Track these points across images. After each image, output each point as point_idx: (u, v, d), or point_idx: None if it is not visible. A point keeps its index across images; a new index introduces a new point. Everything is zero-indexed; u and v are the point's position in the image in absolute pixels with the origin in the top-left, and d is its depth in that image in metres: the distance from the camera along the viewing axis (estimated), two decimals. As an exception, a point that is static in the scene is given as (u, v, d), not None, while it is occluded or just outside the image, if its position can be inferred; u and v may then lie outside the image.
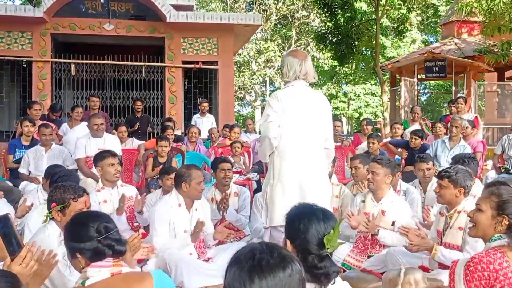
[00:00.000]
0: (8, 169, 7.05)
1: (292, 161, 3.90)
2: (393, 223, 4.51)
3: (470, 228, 2.71)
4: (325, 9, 18.79)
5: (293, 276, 1.41)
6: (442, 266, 3.75)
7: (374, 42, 19.66)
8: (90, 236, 2.22)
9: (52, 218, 3.13)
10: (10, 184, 6.32)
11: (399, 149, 8.00)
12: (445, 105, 28.36)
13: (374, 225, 4.33)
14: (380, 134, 8.30)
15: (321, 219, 2.13)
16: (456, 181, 3.77)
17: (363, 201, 4.71)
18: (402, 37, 22.16)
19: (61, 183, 3.28)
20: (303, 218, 2.15)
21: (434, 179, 5.09)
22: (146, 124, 9.99)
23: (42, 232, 3.06)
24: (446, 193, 3.79)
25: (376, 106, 28.77)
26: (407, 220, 4.47)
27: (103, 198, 4.90)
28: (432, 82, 25.02)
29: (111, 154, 5.06)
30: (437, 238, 3.93)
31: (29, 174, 6.62)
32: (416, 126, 9.09)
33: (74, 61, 11.26)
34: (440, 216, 3.98)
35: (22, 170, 6.64)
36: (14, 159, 6.99)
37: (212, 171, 5.69)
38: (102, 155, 5.03)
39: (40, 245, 2.86)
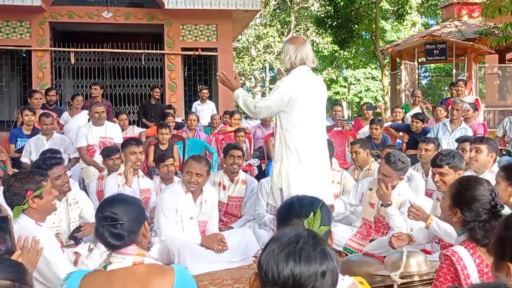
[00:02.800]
0: (10, 159, 7.05)
1: (307, 146, 3.94)
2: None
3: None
4: (324, -7, 18.67)
5: (328, 275, 1.40)
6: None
7: (374, 26, 19.57)
8: (97, 219, 2.24)
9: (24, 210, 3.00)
10: (13, 173, 6.34)
11: (400, 133, 8.00)
12: (446, 88, 28.27)
13: (389, 195, 4.29)
14: (381, 119, 8.28)
15: (303, 204, 2.10)
16: (456, 166, 3.79)
17: (371, 189, 4.64)
18: (402, 20, 22.05)
19: (17, 173, 3.16)
20: (286, 205, 2.15)
21: None
22: (159, 112, 9.94)
23: (14, 226, 3.00)
24: (450, 179, 3.78)
25: (377, 90, 28.68)
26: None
27: (123, 182, 5.07)
28: (432, 65, 24.93)
29: (135, 142, 5.32)
30: None
31: (31, 163, 6.62)
32: (417, 110, 9.07)
33: (73, 49, 11.22)
34: (437, 202, 3.99)
35: (24, 159, 6.65)
36: (16, 149, 6.99)
37: (216, 158, 5.70)
38: (126, 142, 5.35)
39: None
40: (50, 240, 2.94)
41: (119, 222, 2.16)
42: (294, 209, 2.10)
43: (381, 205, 4.39)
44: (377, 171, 4.68)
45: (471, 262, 2.23)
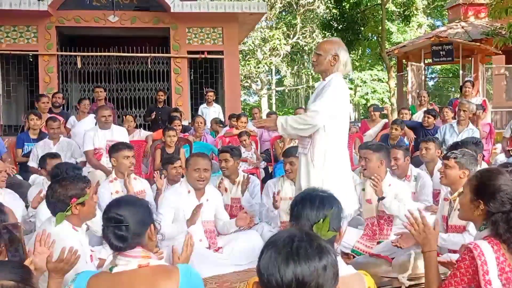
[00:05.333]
0: (18, 163, 7.09)
1: (342, 149, 3.94)
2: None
3: (459, 210, 2.66)
4: (330, -4, 18.67)
5: (328, 269, 1.42)
6: (452, 250, 3.75)
7: (380, 28, 19.55)
8: (103, 219, 2.25)
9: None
10: (20, 177, 6.37)
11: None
12: (453, 89, 28.21)
13: (381, 188, 4.36)
14: (403, 121, 8.21)
15: (315, 206, 2.11)
16: (462, 163, 3.79)
17: (363, 190, 4.70)
18: (408, 22, 22.00)
19: (61, 179, 3.12)
20: (299, 203, 2.16)
21: (440, 163, 5.10)
22: (166, 115, 9.98)
23: (48, 227, 2.99)
24: (451, 173, 3.82)
25: (383, 92, 28.63)
26: (409, 201, 4.50)
27: (115, 189, 4.96)
28: (439, 66, 24.84)
29: (127, 146, 5.16)
30: (443, 223, 3.95)
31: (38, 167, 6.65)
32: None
33: (79, 53, 11.27)
34: (444, 202, 4.00)
35: (31, 163, 6.67)
36: (23, 153, 7.02)
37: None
38: (117, 147, 5.12)
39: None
40: (83, 247, 2.95)
41: (124, 224, 2.17)
42: (305, 210, 2.11)
43: (378, 200, 4.45)
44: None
45: (493, 259, 2.19)
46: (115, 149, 5.11)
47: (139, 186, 5.17)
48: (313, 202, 2.13)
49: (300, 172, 3.97)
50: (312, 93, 4.16)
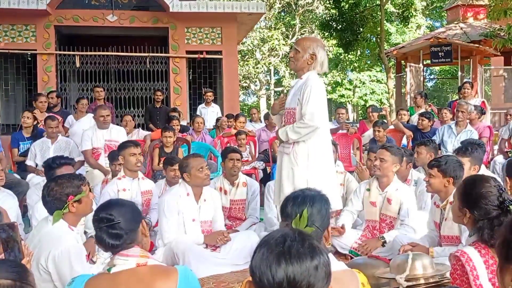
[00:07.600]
0: (15, 163, 7.08)
1: (325, 148, 4.00)
2: (398, 212, 4.53)
3: (452, 215, 2.67)
4: (329, -4, 18.67)
5: (320, 269, 1.42)
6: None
7: (379, 29, 19.56)
8: (94, 223, 2.26)
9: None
10: (18, 176, 6.36)
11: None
12: (451, 90, 28.23)
13: (371, 246, 4.40)
14: (385, 121, 8.25)
15: (296, 203, 2.15)
16: (445, 171, 3.76)
17: (368, 190, 4.70)
18: (407, 23, 22.02)
19: (57, 177, 3.11)
20: (285, 202, 2.21)
21: None
22: (164, 115, 9.96)
23: (45, 226, 3.00)
24: (435, 182, 3.80)
25: (382, 93, 28.65)
26: (413, 210, 4.51)
27: (122, 186, 5.00)
28: (437, 67, 24.90)
29: (134, 143, 5.22)
30: (436, 229, 3.96)
31: (36, 166, 6.65)
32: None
33: (78, 53, 11.25)
34: (435, 207, 3.99)
35: (29, 162, 6.67)
36: (20, 152, 7.01)
37: (221, 161, 5.69)
38: (124, 144, 5.21)
39: (45, 238, 2.85)
40: (79, 245, 2.95)
41: (116, 222, 2.19)
42: (288, 207, 2.16)
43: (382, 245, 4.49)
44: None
45: (481, 263, 2.20)
46: (122, 146, 5.19)
47: (147, 186, 5.22)
48: (296, 199, 2.17)
49: (282, 172, 4.02)
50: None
